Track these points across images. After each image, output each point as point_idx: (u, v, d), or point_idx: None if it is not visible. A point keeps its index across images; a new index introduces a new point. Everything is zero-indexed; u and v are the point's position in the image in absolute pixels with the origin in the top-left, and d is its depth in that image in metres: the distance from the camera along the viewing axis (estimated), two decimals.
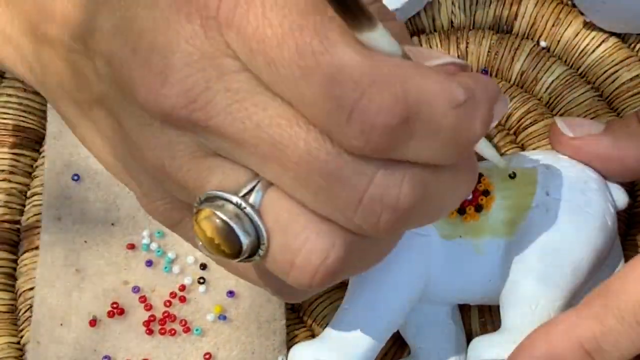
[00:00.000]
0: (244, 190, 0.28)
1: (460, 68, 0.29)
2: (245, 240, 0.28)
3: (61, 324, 0.41)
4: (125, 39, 0.28)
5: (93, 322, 0.41)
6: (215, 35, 0.27)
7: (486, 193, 0.39)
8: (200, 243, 0.29)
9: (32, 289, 0.43)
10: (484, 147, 0.35)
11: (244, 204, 0.28)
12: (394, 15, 0.30)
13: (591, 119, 0.44)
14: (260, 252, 0.29)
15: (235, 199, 0.28)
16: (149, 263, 0.42)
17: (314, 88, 0.26)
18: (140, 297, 0.41)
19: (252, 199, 0.28)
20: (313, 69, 0.26)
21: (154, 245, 0.42)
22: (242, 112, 0.27)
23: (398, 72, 0.26)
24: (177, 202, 0.32)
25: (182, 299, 0.41)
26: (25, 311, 0.43)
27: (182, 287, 0.42)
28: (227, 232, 0.28)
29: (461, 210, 0.39)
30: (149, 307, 0.41)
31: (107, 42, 0.29)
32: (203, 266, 0.42)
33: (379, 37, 0.26)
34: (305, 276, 0.28)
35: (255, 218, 0.28)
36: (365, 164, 0.27)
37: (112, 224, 0.43)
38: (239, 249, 0.28)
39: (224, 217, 0.28)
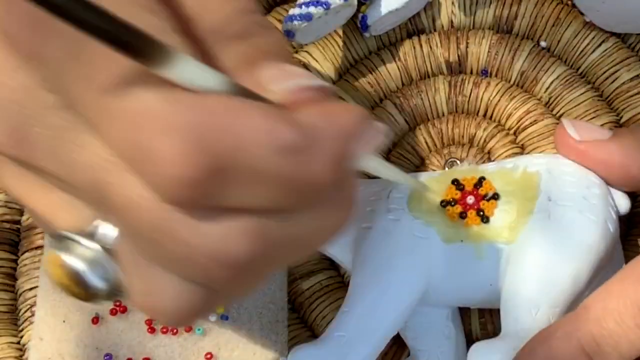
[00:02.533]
0: (96, 228, 0.26)
1: (318, 91, 0.25)
2: (100, 285, 0.26)
3: (64, 321, 0.41)
4: None
5: (96, 320, 0.41)
6: (32, 67, 0.25)
7: (488, 197, 0.39)
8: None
9: (32, 289, 0.43)
10: (380, 169, 0.29)
11: (96, 248, 0.26)
12: (272, 26, 0.26)
13: (591, 119, 0.44)
14: (119, 293, 0.26)
15: (84, 240, 0.26)
16: None
17: (114, 133, 0.23)
18: None
19: (102, 233, 0.26)
20: (111, 112, 0.23)
21: None
22: (64, 150, 0.25)
23: (204, 116, 0.23)
24: None
25: None
26: (25, 311, 0.43)
27: None
28: (79, 277, 0.26)
29: (463, 214, 0.39)
30: None
31: None
32: None
33: (187, 71, 0.22)
34: (165, 320, 0.26)
35: (105, 261, 0.26)
36: (191, 216, 0.24)
37: None
38: (94, 293, 0.26)
39: (72, 264, 0.26)
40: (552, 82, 0.45)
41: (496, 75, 0.46)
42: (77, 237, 0.26)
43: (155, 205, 0.24)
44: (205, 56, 0.25)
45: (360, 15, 0.45)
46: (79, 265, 0.25)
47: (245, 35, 0.26)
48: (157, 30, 0.23)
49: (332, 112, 0.25)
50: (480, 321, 0.42)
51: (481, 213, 0.39)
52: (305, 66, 0.46)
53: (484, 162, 0.44)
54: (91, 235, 0.26)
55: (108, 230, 0.26)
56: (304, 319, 0.43)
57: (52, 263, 0.26)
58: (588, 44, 0.45)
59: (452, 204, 0.39)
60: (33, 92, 0.25)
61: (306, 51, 0.46)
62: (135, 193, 0.24)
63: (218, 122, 0.23)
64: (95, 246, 0.25)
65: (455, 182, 0.39)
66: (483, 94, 0.45)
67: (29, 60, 0.24)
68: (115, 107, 0.23)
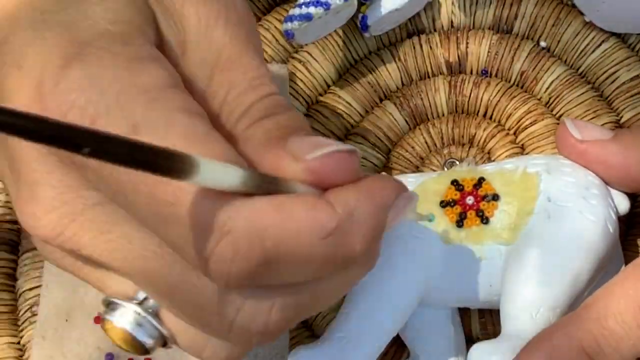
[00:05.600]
0: (143, 294, 0.29)
1: (346, 155, 0.27)
2: (149, 343, 0.29)
3: (66, 320, 0.41)
4: (4, 154, 0.28)
5: (98, 319, 0.41)
6: (74, 169, 0.27)
7: (487, 198, 0.39)
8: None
9: (32, 289, 0.43)
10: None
11: (142, 312, 0.29)
12: (291, 106, 0.29)
13: (591, 119, 0.44)
14: (170, 345, 0.30)
15: (132, 306, 0.29)
16: None
17: (171, 234, 0.26)
18: None
19: (151, 301, 0.29)
20: (167, 217, 0.25)
21: None
22: (109, 244, 0.27)
23: (255, 216, 0.25)
24: None
25: None
26: (25, 311, 0.43)
27: None
28: (132, 338, 0.29)
29: (462, 215, 0.39)
30: None
31: None
32: None
33: (213, 174, 0.24)
34: None
35: (155, 323, 0.29)
36: (232, 294, 0.27)
37: None
38: (146, 348, 0.29)
39: (125, 327, 0.29)
40: (552, 82, 0.45)
41: (496, 75, 0.46)
42: (124, 303, 0.29)
43: (199, 286, 0.27)
44: (233, 138, 0.27)
45: (360, 15, 0.45)
46: (128, 326, 0.29)
47: (270, 115, 0.28)
48: (194, 134, 0.25)
49: (367, 188, 0.27)
50: (480, 321, 0.42)
51: (481, 214, 0.39)
52: (305, 66, 0.46)
53: (484, 162, 0.44)
54: (137, 300, 0.29)
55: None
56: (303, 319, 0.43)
57: (109, 328, 0.29)
58: (588, 44, 0.45)
59: (452, 204, 0.39)
60: (79, 192, 0.27)
61: (306, 51, 0.46)
62: (180, 276, 0.27)
63: (269, 219, 0.25)
64: (141, 310, 0.29)
65: (455, 183, 0.39)
66: (483, 94, 0.45)
67: (69, 164, 0.27)
68: (169, 213, 0.25)
